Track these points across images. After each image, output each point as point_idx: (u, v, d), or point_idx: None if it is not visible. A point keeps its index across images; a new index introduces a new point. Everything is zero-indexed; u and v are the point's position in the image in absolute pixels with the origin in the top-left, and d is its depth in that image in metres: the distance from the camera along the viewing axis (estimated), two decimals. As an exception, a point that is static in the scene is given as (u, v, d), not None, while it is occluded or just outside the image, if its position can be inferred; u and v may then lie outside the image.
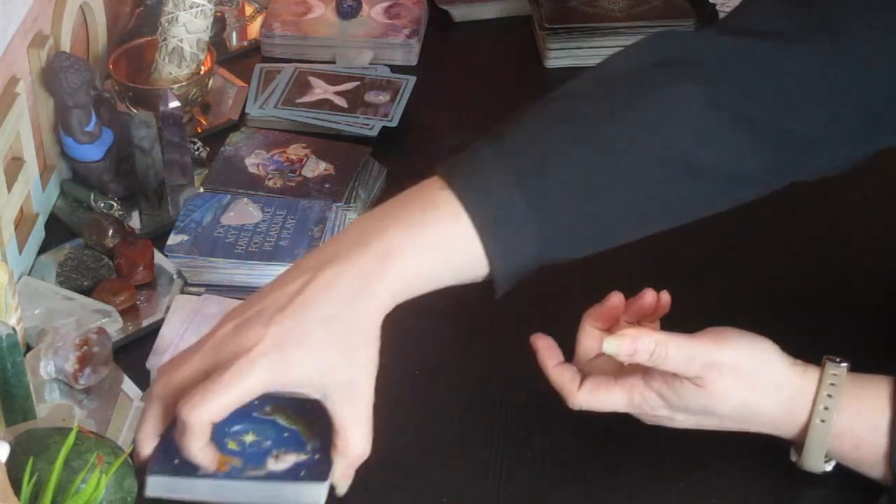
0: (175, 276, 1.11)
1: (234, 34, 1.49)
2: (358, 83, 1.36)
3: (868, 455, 0.87)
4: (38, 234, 1.15)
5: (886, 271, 1.12)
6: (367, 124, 1.29)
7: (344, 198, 1.18)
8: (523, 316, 0.96)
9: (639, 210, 0.90)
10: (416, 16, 1.49)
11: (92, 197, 1.19)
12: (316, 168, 1.22)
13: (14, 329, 0.88)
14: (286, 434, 0.89)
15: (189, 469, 0.85)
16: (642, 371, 0.88)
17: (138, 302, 1.08)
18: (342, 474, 0.86)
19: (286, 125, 1.31)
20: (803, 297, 1.09)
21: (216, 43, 1.41)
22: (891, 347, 0.99)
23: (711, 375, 0.86)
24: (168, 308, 1.07)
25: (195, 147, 1.26)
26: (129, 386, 0.99)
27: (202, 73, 1.32)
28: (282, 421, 0.90)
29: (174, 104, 1.17)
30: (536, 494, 0.91)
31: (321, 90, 1.35)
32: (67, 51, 1.21)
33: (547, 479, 0.92)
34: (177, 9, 1.29)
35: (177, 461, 0.85)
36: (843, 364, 0.88)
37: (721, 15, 1.46)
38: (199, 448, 0.83)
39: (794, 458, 0.90)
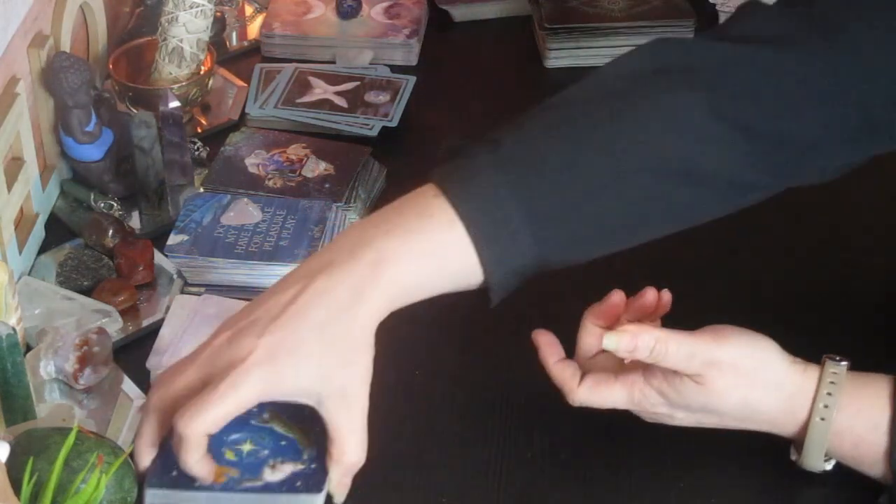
0: (175, 276, 1.11)
1: (234, 34, 1.49)
2: (358, 83, 1.36)
3: (868, 454, 0.87)
4: (38, 234, 1.15)
5: (886, 272, 1.12)
6: (367, 124, 1.29)
7: (344, 198, 1.18)
8: (523, 316, 0.96)
9: (636, 217, 0.90)
10: (416, 16, 1.49)
11: (92, 197, 1.19)
12: (316, 168, 1.22)
13: (14, 329, 0.88)
14: (283, 442, 0.89)
15: (187, 481, 0.85)
16: (642, 368, 0.88)
17: (138, 302, 1.08)
18: (338, 483, 0.86)
19: (286, 125, 1.31)
20: (803, 297, 1.09)
21: (216, 43, 1.41)
22: (891, 347, 0.99)
23: (711, 373, 0.86)
24: (168, 308, 1.07)
25: (195, 147, 1.26)
26: (129, 386, 0.99)
27: (202, 73, 1.32)
28: (279, 428, 0.90)
29: (174, 104, 1.17)
30: (536, 494, 0.91)
31: (321, 90, 1.35)
32: (67, 51, 1.21)
33: (547, 479, 0.92)
34: (177, 9, 1.29)
35: (174, 473, 0.85)
36: (844, 363, 0.88)
37: (721, 15, 1.46)
38: (195, 460, 0.83)
39: (793, 457, 0.90)
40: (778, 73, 0.91)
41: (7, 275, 0.94)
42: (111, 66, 1.32)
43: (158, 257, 1.12)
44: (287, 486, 0.86)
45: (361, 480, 0.87)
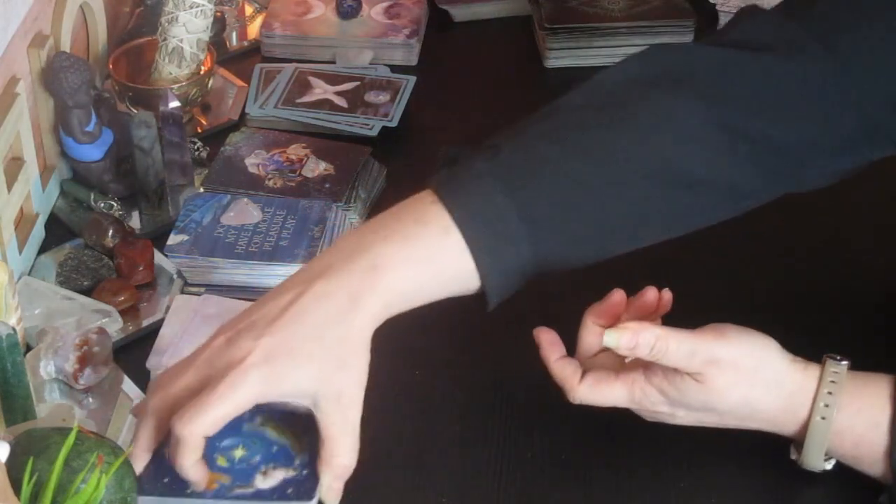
0: (175, 276, 1.11)
1: (234, 34, 1.49)
2: (358, 83, 1.36)
3: (868, 453, 0.88)
4: (38, 234, 1.15)
5: (886, 272, 1.12)
6: (367, 124, 1.29)
7: (344, 198, 1.18)
8: (523, 316, 0.96)
9: (633, 223, 0.91)
10: (416, 16, 1.49)
11: (92, 197, 1.19)
12: (316, 168, 1.22)
13: (14, 329, 0.88)
14: (275, 448, 0.89)
15: (178, 489, 0.85)
16: (643, 366, 0.89)
17: (138, 302, 1.08)
18: (329, 488, 0.86)
19: (286, 125, 1.31)
20: (803, 297, 1.09)
21: (216, 43, 1.41)
22: (891, 347, 0.99)
23: (712, 371, 0.86)
24: (168, 308, 1.07)
25: (195, 147, 1.26)
26: (129, 386, 0.99)
27: (202, 73, 1.32)
28: (271, 434, 0.90)
29: (174, 104, 1.17)
30: (536, 494, 0.91)
31: (321, 90, 1.35)
32: (67, 51, 1.21)
33: (547, 479, 0.92)
34: (177, 9, 1.29)
35: (166, 480, 0.85)
36: (844, 362, 0.88)
37: (721, 15, 1.46)
38: (192, 462, 0.83)
39: (794, 456, 0.90)
40: (777, 79, 0.91)
41: (7, 275, 0.94)
42: (111, 66, 1.32)
43: (158, 257, 1.12)
44: (278, 493, 0.86)
45: (361, 480, 0.87)
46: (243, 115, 1.34)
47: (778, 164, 0.92)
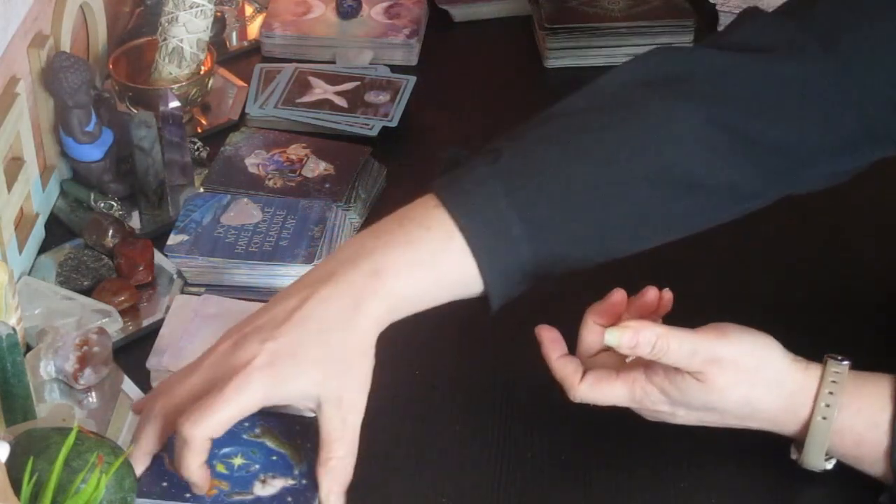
0: (175, 276, 1.11)
1: (234, 34, 1.49)
2: (358, 83, 1.36)
3: (869, 453, 0.87)
4: (38, 234, 1.15)
5: (887, 272, 1.12)
6: (367, 124, 1.29)
7: (344, 198, 1.18)
8: (523, 316, 0.96)
9: (634, 226, 0.91)
10: (416, 16, 1.49)
11: (92, 197, 1.19)
12: (316, 168, 1.22)
13: (14, 329, 0.88)
14: (274, 457, 0.89)
15: (177, 493, 0.85)
16: (644, 365, 0.89)
17: (138, 302, 1.08)
18: (328, 495, 0.86)
19: (286, 125, 1.31)
20: (804, 297, 1.09)
21: (216, 43, 1.41)
22: (891, 347, 0.99)
23: (713, 370, 0.86)
24: (168, 308, 1.07)
25: (195, 147, 1.26)
26: (129, 386, 0.99)
27: (202, 73, 1.32)
28: (271, 444, 0.90)
29: (174, 104, 1.17)
30: (536, 494, 0.91)
31: (321, 90, 1.35)
32: (67, 51, 1.20)
33: (547, 479, 0.92)
34: (177, 9, 1.29)
35: (165, 483, 0.86)
36: (845, 362, 0.88)
37: (721, 15, 1.46)
38: (197, 465, 0.84)
39: (794, 456, 0.90)
40: (777, 81, 0.91)
41: (7, 275, 0.94)
42: (111, 66, 1.32)
43: (158, 257, 1.12)
44: (277, 501, 0.86)
45: (361, 481, 0.87)
46: (243, 115, 1.34)
47: (779, 165, 0.92)
